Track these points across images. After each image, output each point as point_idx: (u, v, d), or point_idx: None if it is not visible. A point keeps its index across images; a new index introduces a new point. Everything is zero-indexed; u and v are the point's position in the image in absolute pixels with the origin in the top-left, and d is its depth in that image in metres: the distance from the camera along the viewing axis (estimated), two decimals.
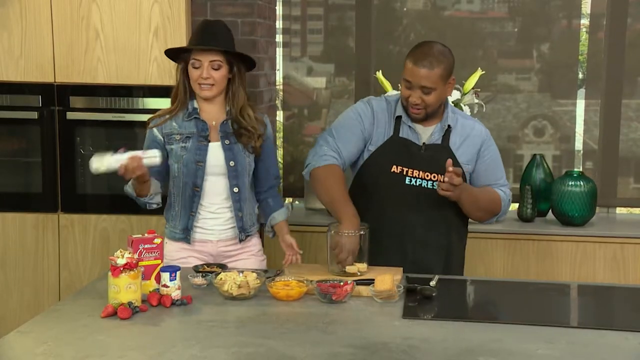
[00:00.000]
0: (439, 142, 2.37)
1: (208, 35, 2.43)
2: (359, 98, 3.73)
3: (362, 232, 2.23)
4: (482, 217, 2.46)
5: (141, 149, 3.26)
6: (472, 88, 3.31)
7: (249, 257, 2.55)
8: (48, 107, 3.21)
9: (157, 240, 2.11)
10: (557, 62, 3.71)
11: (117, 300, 1.94)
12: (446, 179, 2.20)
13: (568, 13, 3.69)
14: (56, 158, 3.23)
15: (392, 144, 2.37)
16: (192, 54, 2.42)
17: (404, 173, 2.35)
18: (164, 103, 3.18)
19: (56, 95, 3.21)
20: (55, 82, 3.19)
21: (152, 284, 2.07)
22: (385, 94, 2.50)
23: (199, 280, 2.18)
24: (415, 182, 2.34)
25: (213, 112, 2.49)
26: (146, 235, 2.11)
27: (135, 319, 1.91)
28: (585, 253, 3.15)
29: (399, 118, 2.38)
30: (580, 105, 3.70)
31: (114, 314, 1.92)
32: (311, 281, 2.11)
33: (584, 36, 3.67)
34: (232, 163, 2.46)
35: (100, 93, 3.20)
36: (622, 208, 3.73)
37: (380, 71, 3.37)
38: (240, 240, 2.51)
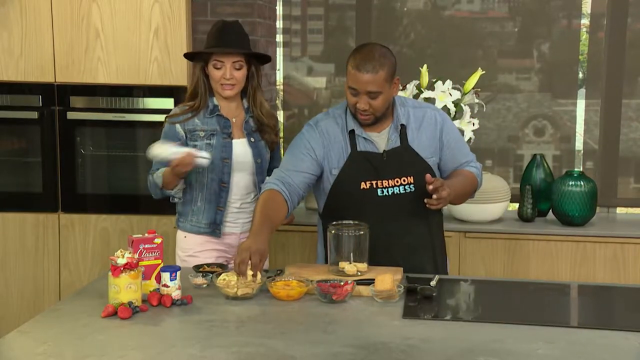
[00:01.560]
0: (398, 144, 2.34)
1: (228, 36, 2.50)
2: None
3: (361, 232, 2.23)
4: (464, 201, 2.48)
5: (142, 148, 3.27)
6: (473, 88, 3.31)
7: None
8: (48, 107, 3.22)
9: (158, 240, 2.11)
10: (558, 61, 3.71)
11: (118, 300, 1.94)
12: (434, 197, 2.18)
13: (568, 13, 3.69)
14: (56, 158, 3.23)
15: (353, 161, 2.32)
16: (214, 55, 2.49)
17: (374, 186, 2.31)
18: (164, 103, 3.19)
19: (56, 95, 3.21)
20: (55, 82, 3.20)
21: (152, 284, 2.08)
22: (331, 108, 2.48)
23: (199, 280, 2.18)
24: (388, 191, 2.32)
25: (232, 109, 2.57)
26: (146, 235, 2.11)
27: (135, 318, 1.91)
28: (585, 253, 3.15)
29: (352, 132, 2.33)
30: (581, 105, 3.70)
31: (114, 313, 1.92)
32: (311, 281, 2.11)
33: (584, 36, 3.67)
34: (259, 160, 2.57)
35: (101, 93, 3.20)
36: (623, 208, 3.73)
37: None
38: None
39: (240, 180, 2.57)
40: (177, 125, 2.53)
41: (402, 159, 2.32)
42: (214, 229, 2.56)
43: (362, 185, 2.31)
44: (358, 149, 2.32)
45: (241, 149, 2.56)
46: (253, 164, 2.57)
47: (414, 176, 2.32)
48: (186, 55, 2.69)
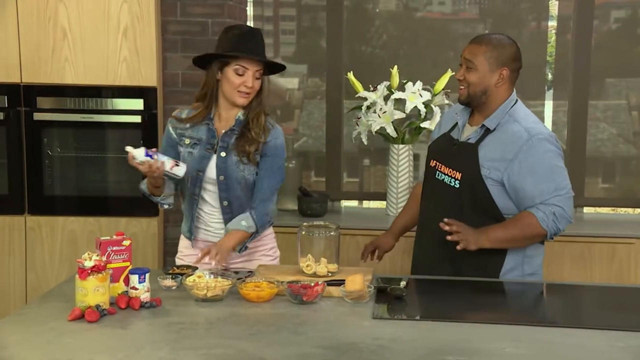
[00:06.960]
0: (473, 141, 2.35)
1: (256, 43, 2.37)
2: (330, 99, 3.74)
3: (332, 233, 2.23)
4: (526, 245, 2.35)
5: (111, 149, 3.20)
6: (443, 89, 3.34)
7: (260, 257, 2.53)
8: (14, 107, 3.17)
9: (126, 242, 2.08)
10: (527, 63, 3.71)
11: (85, 303, 1.91)
12: (446, 228, 2.25)
13: (537, 15, 3.74)
14: (23, 159, 3.19)
15: (439, 141, 2.48)
16: (236, 60, 2.32)
17: (436, 167, 2.42)
18: (133, 104, 3.17)
19: (22, 95, 3.16)
20: (21, 82, 3.15)
21: (120, 287, 2.05)
22: None
23: (168, 282, 2.16)
24: (440, 176, 2.39)
25: (225, 120, 2.42)
26: (115, 237, 2.09)
27: (103, 322, 1.89)
28: (552, 252, 3.19)
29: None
30: (549, 106, 3.75)
31: (81, 317, 1.89)
32: (282, 282, 2.10)
33: (552, 38, 3.72)
34: (221, 177, 2.40)
35: (68, 94, 3.16)
36: (590, 207, 3.79)
37: (352, 72, 3.37)
38: (240, 250, 2.45)
39: (209, 194, 2.44)
40: (170, 127, 2.44)
41: (463, 154, 2.36)
42: (189, 236, 2.51)
43: (431, 162, 2.45)
44: (450, 132, 2.45)
45: (214, 163, 2.41)
46: (216, 180, 2.40)
47: (462, 174, 2.33)
48: (202, 58, 2.39)
